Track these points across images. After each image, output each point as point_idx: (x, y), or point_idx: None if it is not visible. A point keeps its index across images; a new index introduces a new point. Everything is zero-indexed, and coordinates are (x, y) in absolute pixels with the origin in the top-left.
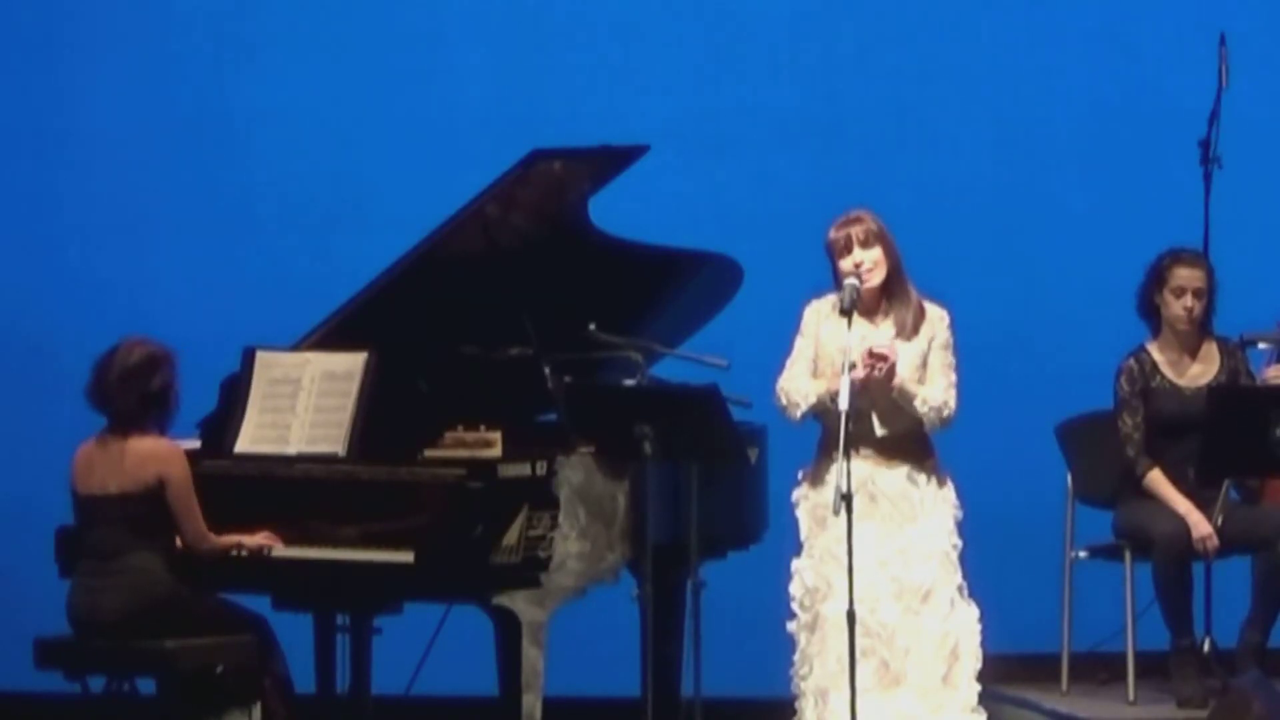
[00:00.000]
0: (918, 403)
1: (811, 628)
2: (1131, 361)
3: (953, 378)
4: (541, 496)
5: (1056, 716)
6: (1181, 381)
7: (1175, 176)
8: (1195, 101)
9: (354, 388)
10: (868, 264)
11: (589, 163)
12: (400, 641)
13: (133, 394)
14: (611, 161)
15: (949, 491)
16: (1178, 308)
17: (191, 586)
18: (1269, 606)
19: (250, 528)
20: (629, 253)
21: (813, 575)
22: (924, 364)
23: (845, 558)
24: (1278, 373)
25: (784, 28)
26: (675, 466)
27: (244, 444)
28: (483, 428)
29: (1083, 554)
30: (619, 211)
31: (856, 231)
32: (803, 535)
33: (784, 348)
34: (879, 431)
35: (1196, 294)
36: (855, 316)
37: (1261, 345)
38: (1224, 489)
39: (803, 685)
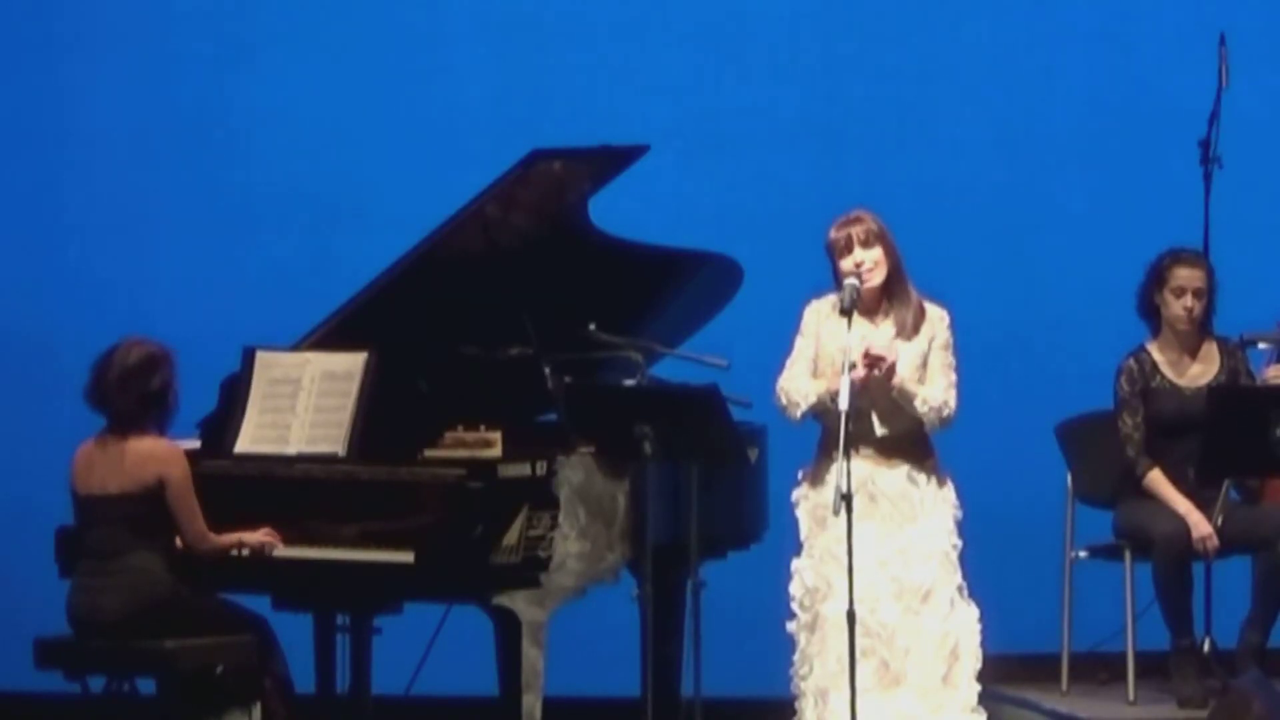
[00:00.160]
0: (917, 402)
1: (811, 628)
2: (1131, 361)
3: (953, 378)
4: (541, 496)
5: (1056, 716)
6: (1181, 381)
7: (1175, 176)
8: (1195, 101)
9: (354, 388)
10: (868, 264)
11: (589, 163)
12: (400, 641)
13: (132, 394)
14: (611, 161)
15: (949, 491)
16: (1178, 308)
17: (191, 586)
18: (1269, 606)
19: (250, 528)
20: (629, 253)
21: (813, 575)
22: (924, 364)
23: (845, 558)
24: (1278, 373)
25: (784, 28)
26: (675, 466)
27: (244, 444)
28: (483, 428)
29: (1083, 554)
30: (619, 211)
31: (857, 231)
32: (803, 535)
33: (784, 348)
34: (879, 431)
35: (1196, 294)
36: (855, 316)
37: (1261, 345)
38: (1224, 489)
39: (803, 685)
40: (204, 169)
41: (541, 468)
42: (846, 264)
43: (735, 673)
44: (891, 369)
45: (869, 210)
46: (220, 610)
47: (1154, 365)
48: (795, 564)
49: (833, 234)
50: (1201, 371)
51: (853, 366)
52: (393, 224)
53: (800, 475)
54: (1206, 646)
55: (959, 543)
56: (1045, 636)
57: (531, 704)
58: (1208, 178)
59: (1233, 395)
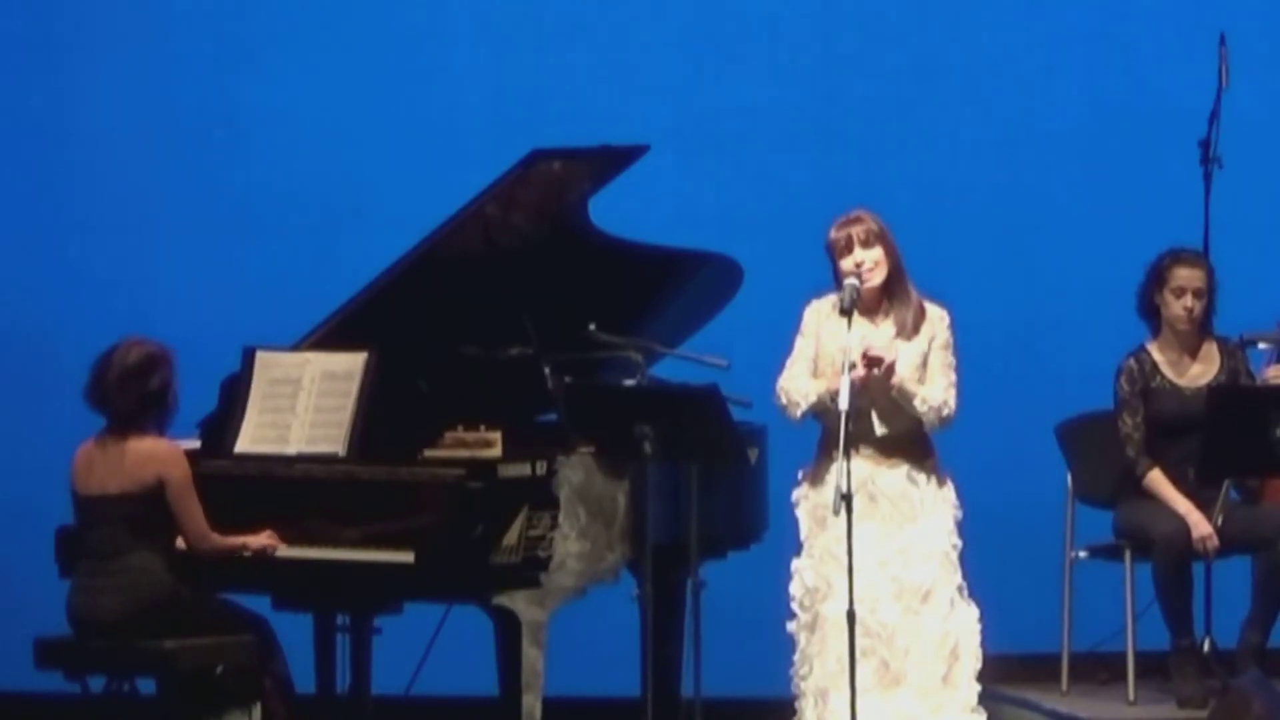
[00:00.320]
0: (917, 402)
1: (811, 628)
2: (1131, 361)
3: (953, 377)
4: (541, 496)
5: (1056, 716)
6: (1181, 381)
7: (1175, 176)
8: (1195, 101)
9: (354, 388)
10: (868, 264)
11: (589, 163)
12: (400, 641)
13: (132, 394)
14: (611, 161)
15: (949, 491)
16: (1178, 308)
17: (191, 587)
18: (1269, 606)
19: (251, 528)
20: (629, 253)
21: (813, 575)
22: (924, 364)
23: (845, 558)
24: (1278, 373)
25: (784, 28)
26: (675, 466)
27: (244, 444)
28: (483, 428)
29: (1083, 554)
30: (619, 211)
31: (857, 231)
32: (803, 535)
33: (784, 348)
34: (879, 431)
35: (1196, 294)
36: (856, 316)
37: (1261, 345)
38: (1224, 489)
39: (803, 685)
40: (205, 169)
41: (541, 468)
42: (847, 264)
43: (735, 673)
44: (891, 369)
45: (869, 210)
46: (220, 610)
47: (1154, 365)
48: (795, 564)
49: (833, 234)
50: (1201, 371)
51: (853, 366)
52: (393, 224)
53: (800, 475)
54: (1206, 646)
55: (959, 543)
56: (1045, 636)
57: (531, 704)
58: (1208, 178)
59: (1233, 395)
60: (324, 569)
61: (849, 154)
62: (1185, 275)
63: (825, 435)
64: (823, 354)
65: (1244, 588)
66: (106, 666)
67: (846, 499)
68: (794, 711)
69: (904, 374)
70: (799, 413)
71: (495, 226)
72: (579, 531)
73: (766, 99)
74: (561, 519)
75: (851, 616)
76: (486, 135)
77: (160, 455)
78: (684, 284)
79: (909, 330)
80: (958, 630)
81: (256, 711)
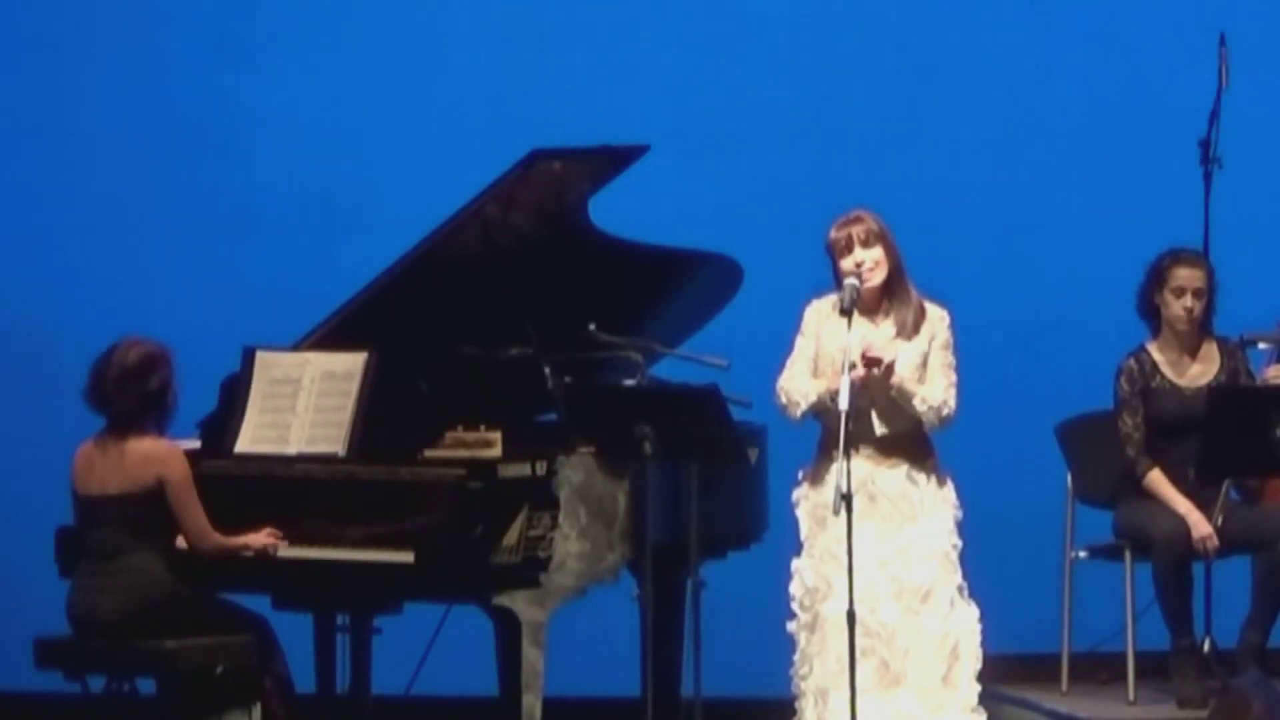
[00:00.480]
0: (917, 402)
1: (811, 628)
2: (1131, 361)
3: (953, 377)
4: (541, 496)
5: (1056, 716)
6: (1181, 381)
7: (1175, 176)
8: (1195, 101)
9: (354, 388)
10: (869, 264)
11: (589, 163)
12: (400, 641)
13: (131, 394)
14: (611, 161)
15: (949, 491)
16: (1178, 308)
17: (191, 587)
18: (1269, 606)
19: (251, 528)
20: (629, 253)
21: (813, 575)
22: (924, 364)
23: (845, 557)
24: (1278, 373)
25: (784, 28)
26: (675, 466)
27: (244, 444)
28: (483, 428)
29: (1083, 554)
30: (619, 211)
31: (857, 231)
32: (803, 535)
33: (784, 348)
34: (879, 430)
35: (1196, 294)
36: (856, 316)
37: (1261, 345)
38: (1224, 489)
39: (803, 685)
40: (204, 169)
41: (541, 468)
42: (847, 264)
43: (735, 673)
44: (890, 369)
45: (869, 210)
46: (220, 610)
47: (1154, 365)
48: (795, 564)
49: (833, 234)
50: (1201, 371)
51: (852, 366)
52: (393, 224)
53: (800, 475)
54: (1206, 646)
55: (959, 543)
56: (1045, 636)
57: (531, 704)
58: (1208, 178)
59: (1233, 395)
60: (324, 569)
61: (849, 154)
62: (1185, 275)
63: (825, 435)
64: (823, 354)
65: (1244, 588)
66: (106, 666)
67: (846, 499)
68: (794, 711)
69: (904, 374)
70: (799, 413)
71: (495, 226)
72: (579, 531)
73: (766, 99)
74: (561, 519)
75: (851, 616)
76: (486, 135)
77: (160, 455)
78: (684, 284)
79: (909, 330)
80: (958, 630)
81: (256, 711)
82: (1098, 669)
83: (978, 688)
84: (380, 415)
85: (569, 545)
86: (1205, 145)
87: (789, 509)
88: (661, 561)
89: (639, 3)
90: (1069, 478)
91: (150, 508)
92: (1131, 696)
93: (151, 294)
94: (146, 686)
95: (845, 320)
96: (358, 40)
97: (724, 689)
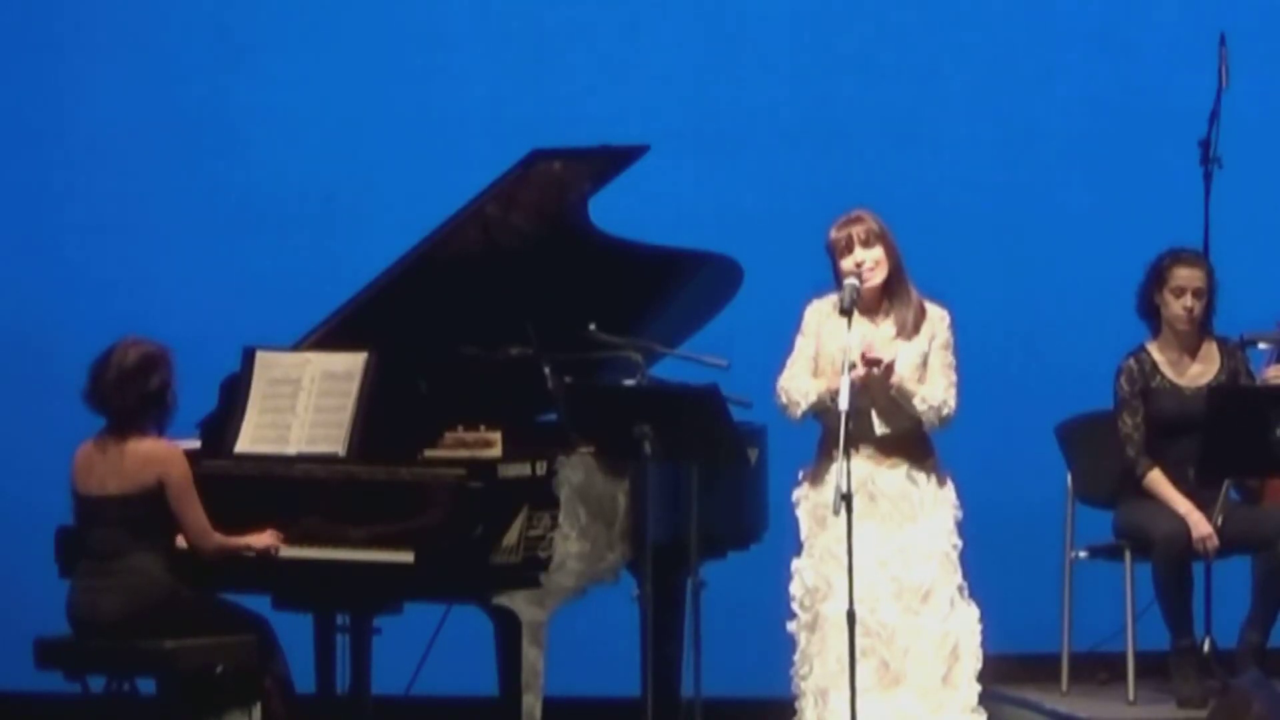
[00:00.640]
0: (916, 401)
1: (811, 627)
2: (1131, 361)
3: (953, 377)
4: (541, 496)
5: (1056, 716)
6: (1181, 381)
7: (1175, 176)
8: (1195, 101)
9: (354, 388)
10: (869, 263)
11: (589, 163)
12: (400, 641)
13: (131, 394)
14: (612, 161)
15: (949, 491)
16: (1178, 308)
17: (191, 587)
18: (1269, 606)
19: (251, 528)
20: (629, 253)
21: (813, 575)
22: (924, 363)
23: (845, 557)
24: (1278, 373)
25: (784, 28)
26: (675, 466)
27: (244, 444)
28: (483, 428)
29: (1083, 554)
30: (619, 211)
31: (858, 231)
32: (803, 535)
33: (784, 348)
34: (879, 430)
35: (1196, 294)
36: (856, 316)
37: (1261, 345)
38: (1224, 489)
39: (803, 685)
40: (204, 169)
41: (541, 468)
42: (847, 264)
43: (735, 673)
44: (890, 368)
45: (869, 210)
46: (220, 610)
47: (1154, 365)
48: (795, 564)
49: (833, 234)
50: (1201, 371)
51: (852, 366)
52: (393, 224)
53: (800, 475)
54: (1206, 646)
55: (959, 543)
56: (1045, 636)
57: (531, 704)
58: (1208, 178)
59: (1233, 395)
60: (324, 569)
61: (849, 154)
62: (1185, 275)
63: (825, 435)
64: (823, 354)
65: (1244, 588)
66: (106, 666)
67: (846, 499)
68: (794, 711)
69: (904, 373)
70: (799, 412)
71: (495, 226)
72: (579, 531)
73: (766, 99)
74: (561, 519)
75: (851, 616)
76: (486, 135)
77: (160, 456)
78: (684, 284)
79: (909, 330)
80: (958, 630)
81: (256, 711)
82: (1098, 669)
83: (978, 688)
84: (380, 415)
85: (569, 545)
86: (1205, 145)
87: (789, 509)
88: (661, 561)
89: (639, 3)
90: (1069, 478)
91: (150, 508)
92: (1131, 696)
93: (151, 294)
94: (146, 686)
95: (845, 320)
96: (358, 40)
97: (724, 689)
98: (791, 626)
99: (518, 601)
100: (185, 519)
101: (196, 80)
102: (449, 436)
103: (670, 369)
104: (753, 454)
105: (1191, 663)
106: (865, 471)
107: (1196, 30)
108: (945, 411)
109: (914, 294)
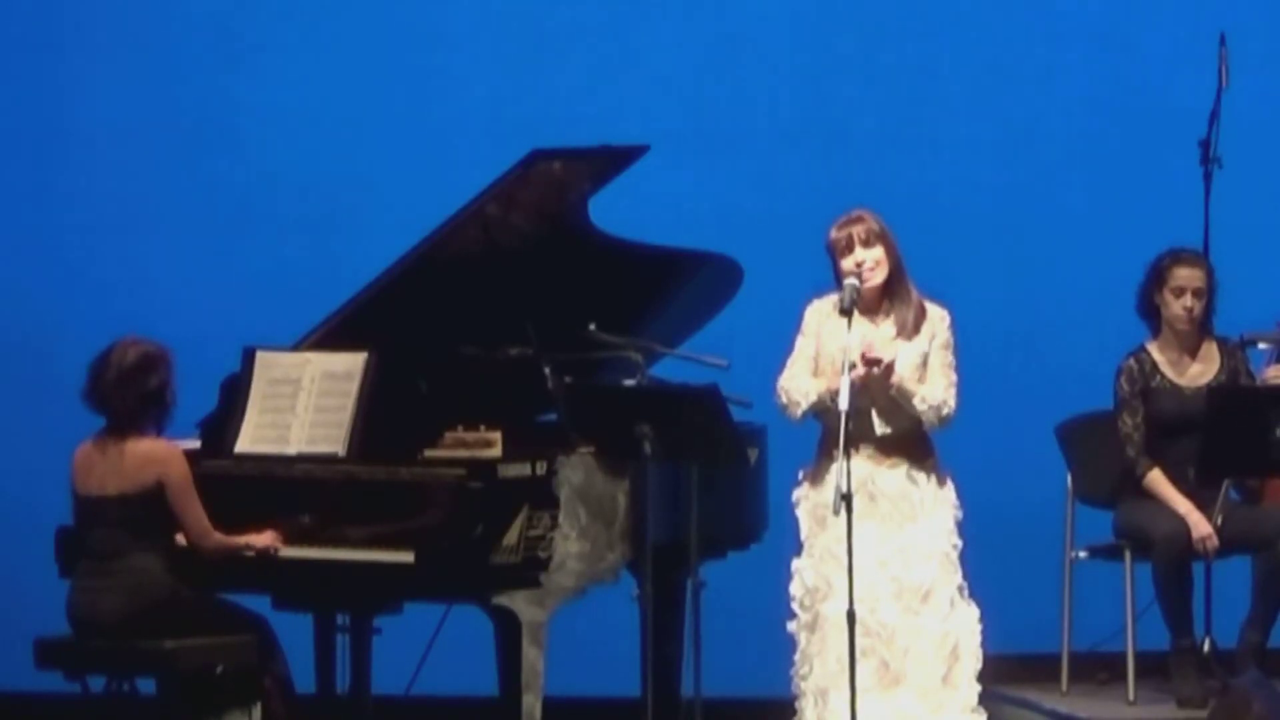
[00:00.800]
0: (916, 401)
1: (812, 627)
2: (1131, 361)
3: (953, 377)
4: (541, 496)
5: (1056, 716)
6: (1181, 381)
7: (1175, 176)
8: (1195, 101)
9: (354, 388)
10: (869, 263)
11: (589, 163)
12: (400, 641)
13: (130, 393)
14: (611, 161)
15: (949, 491)
16: (1178, 307)
17: (192, 587)
18: (1269, 606)
19: (251, 528)
20: (629, 253)
21: (813, 575)
22: (924, 363)
23: (845, 557)
24: (1278, 373)
25: (784, 27)
26: (675, 466)
27: (244, 444)
28: (483, 428)
29: (1083, 554)
30: (619, 211)
31: (858, 231)
32: (803, 535)
33: (784, 348)
34: (879, 430)
35: (1196, 294)
36: (856, 316)
37: (1261, 345)
38: (1224, 489)
39: (803, 685)
40: (204, 169)
41: (541, 468)
42: (847, 263)
43: (735, 673)
44: (890, 368)
45: (870, 210)
46: (220, 610)
47: (1154, 365)
48: (795, 564)
49: (834, 234)
50: (1201, 371)
51: (852, 366)
52: (393, 224)
53: (800, 475)
54: (1206, 646)
55: (959, 543)
56: (1045, 636)
57: (531, 704)
58: (1208, 178)
59: (1233, 395)
60: (324, 569)
61: (849, 154)
62: (1185, 275)
63: (825, 435)
64: (823, 354)
65: (1244, 588)
66: (106, 666)
67: (846, 499)
68: (794, 711)
69: (904, 373)
70: (799, 412)
71: (495, 226)
72: (579, 531)
73: (766, 99)
74: (561, 519)
75: (851, 616)
76: (486, 135)
77: (159, 456)
78: (684, 284)
79: (909, 330)
80: (958, 630)
81: (256, 711)
82: (1098, 669)
83: (978, 688)
84: (380, 415)
85: (569, 545)
86: (1205, 145)
87: (789, 509)
88: (661, 561)
89: (639, 3)
90: (1069, 478)
91: (150, 508)
92: (1131, 696)
93: (151, 294)
94: (146, 686)
95: (845, 320)
96: (358, 40)
97: (724, 689)
98: (791, 626)
99: (518, 601)
100: (185, 519)
101: (196, 80)
102: (449, 436)
103: (670, 369)
104: (753, 454)
105: (1191, 663)
106: (865, 471)
107: (1196, 30)
108: (945, 411)
109: (914, 294)
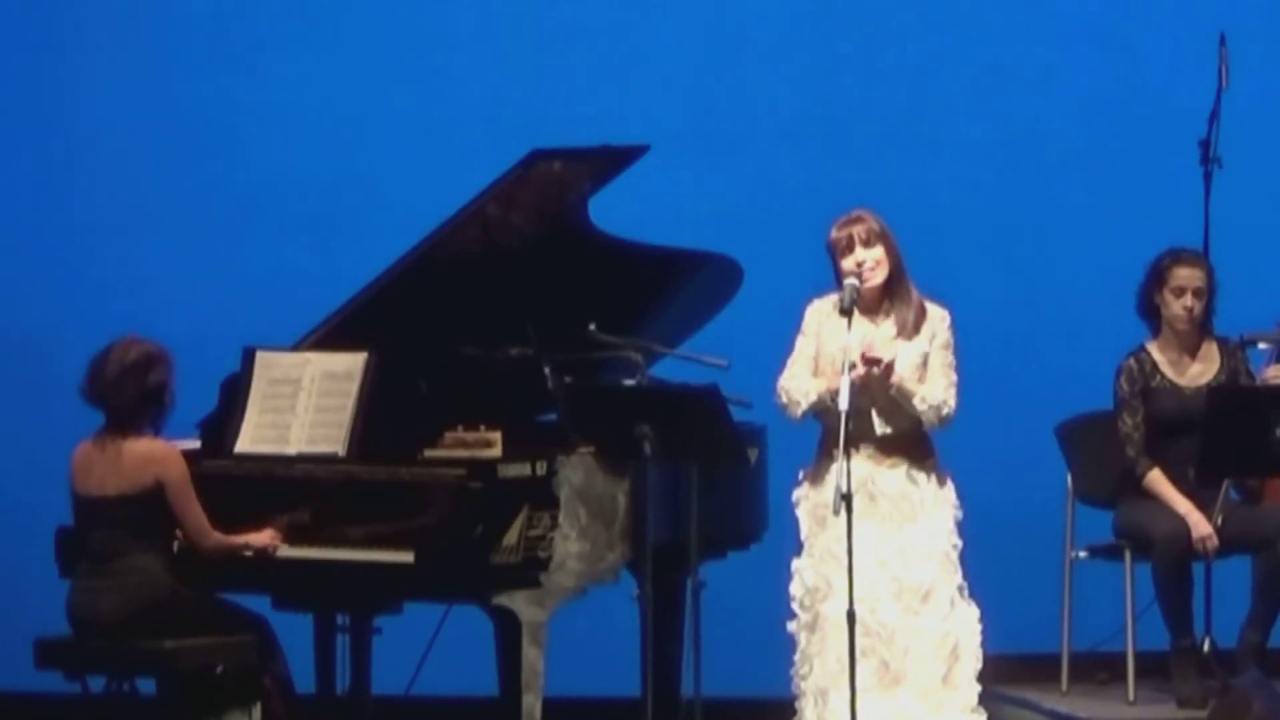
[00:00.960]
0: (916, 401)
1: (812, 627)
2: (1131, 361)
3: (953, 377)
4: (541, 496)
5: (1056, 716)
6: (1181, 381)
7: (1175, 176)
8: (1195, 101)
9: (354, 388)
10: (869, 263)
11: (589, 163)
12: (400, 641)
13: (131, 389)
14: (611, 161)
15: (949, 491)
16: (1178, 307)
17: (192, 587)
18: (1269, 606)
19: (251, 528)
20: (629, 253)
21: (813, 575)
22: (924, 363)
23: (845, 557)
24: (1278, 373)
25: (784, 28)
26: (675, 466)
27: (244, 444)
28: (483, 428)
29: (1083, 554)
30: (619, 211)
31: (858, 231)
32: (803, 535)
33: (784, 348)
34: (879, 430)
35: (1196, 294)
36: (857, 316)
37: (1261, 345)
38: (1224, 489)
39: (803, 685)
40: (204, 169)
41: (541, 468)
42: (848, 263)
43: (735, 673)
44: (889, 368)
45: (870, 210)
46: (220, 610)
47: (1154, 365)
48: (795, 564)
49: (834, 233)
50: (1201, 371)
51: (852, 366)
52: (393, 224)
53: (800, 475)
54: (1206, 646)
55: (959, 542)
56: (1045, 636)
57: (531, 704)
58: (1208, 178)
59: (1233, 395)
60: (324, 569)
61: (849, 154)
62: (1185, 275)
63: (825, 435)
64: (823, 353)
65: (1244, 588)
66: (106, 666)
67: (846, 499)
68: (794, 711)
69: (904, 373)
70: (799, 412)
71: (495, 226)
72: (579, 531)
73: (766, 99)
74: (561, 519)
75: (851, 616)
76: (486, 135)
77: (157, 456)
78: (684, 284)
79: (910, 330)
80: (958, 630)
81: (256, 711)
82: (1098, 669)
83: (978, 688)
84: (380, 415)
85: (569, 545)
86: (1205, 145)
87: (789, 509)
88: (661, 561)
89: (639, 3)
90: (1069, 478)
91: (149, 509)
92: (1131, 696)
93: (151, 294)
94: (146, 686)
95: (845, 320)
96: (358, 40)
97: (724, 689)
98: (791, 626)
99: (518, 601)
100: (185, 519)
101: (197, 81)
102: (449, 436)
103: (670, 369)
104: (753, 454)
105: (1191, 663)
106: (865, 471)
107: (1196, 30)
108: (945, 411)
109: (914, 294)
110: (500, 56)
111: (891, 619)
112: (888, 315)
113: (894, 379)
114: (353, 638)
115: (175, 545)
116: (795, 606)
